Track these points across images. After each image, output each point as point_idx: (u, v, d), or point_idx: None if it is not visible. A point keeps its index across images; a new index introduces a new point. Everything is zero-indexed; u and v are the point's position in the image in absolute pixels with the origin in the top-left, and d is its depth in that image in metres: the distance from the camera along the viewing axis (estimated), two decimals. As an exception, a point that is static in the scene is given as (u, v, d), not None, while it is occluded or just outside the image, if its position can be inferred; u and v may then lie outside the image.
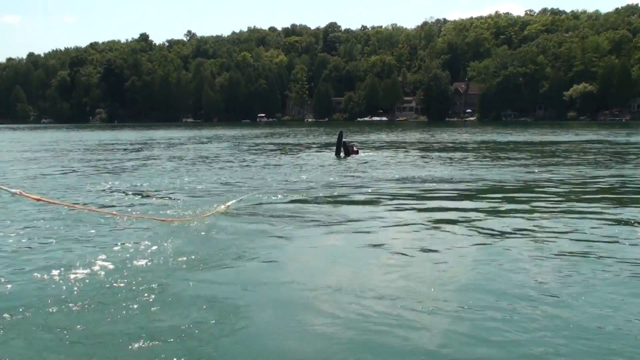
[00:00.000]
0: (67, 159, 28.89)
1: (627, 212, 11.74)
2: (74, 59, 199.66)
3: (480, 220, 11.08)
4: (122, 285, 7.07)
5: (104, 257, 8.32)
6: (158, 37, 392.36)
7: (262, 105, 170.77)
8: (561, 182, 17.14)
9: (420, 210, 12.43)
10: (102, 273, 7.58)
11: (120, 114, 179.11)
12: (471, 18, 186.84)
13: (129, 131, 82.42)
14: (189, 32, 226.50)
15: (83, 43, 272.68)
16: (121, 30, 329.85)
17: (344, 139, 29.86)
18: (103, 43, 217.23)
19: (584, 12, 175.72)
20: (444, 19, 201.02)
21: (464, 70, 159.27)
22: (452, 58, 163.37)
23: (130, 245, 9.02)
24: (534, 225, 10.47)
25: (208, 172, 21.08)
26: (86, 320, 6.00)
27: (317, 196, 14.39)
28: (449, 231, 10.17)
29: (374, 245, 9.18)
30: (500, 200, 13.64)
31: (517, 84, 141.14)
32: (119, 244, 9.13)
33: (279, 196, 14.19)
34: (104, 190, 15.94)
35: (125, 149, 37.80)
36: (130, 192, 15.41)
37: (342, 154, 28.27)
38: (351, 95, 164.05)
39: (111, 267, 7.84)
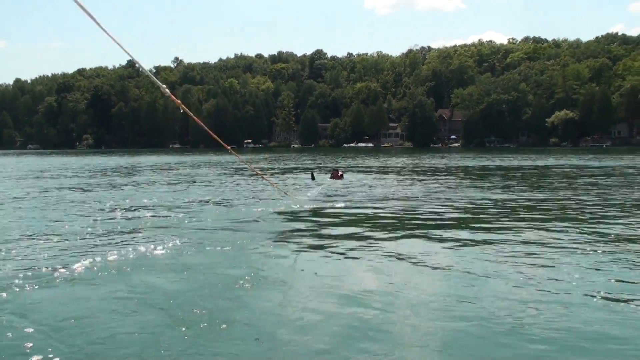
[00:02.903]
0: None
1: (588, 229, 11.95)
2: (61, 85, 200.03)
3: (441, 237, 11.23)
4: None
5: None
6: (145, 64, 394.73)
7: (249, 131, 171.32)
8: (517, 205, 17.38)
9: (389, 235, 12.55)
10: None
11: (107, 139, 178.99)
12: (455, 46, 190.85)
13: (118, 157, 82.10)
14: (176, 58, 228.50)
15: (70, 69, 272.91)
16: (108, 56, 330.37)
17: (334, 169, 31.26)
18: (90, 69, 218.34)
19: (565, 40, 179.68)
20: (429, 47, 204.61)
21: (448, 97, 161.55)
22: (437, 85, 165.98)
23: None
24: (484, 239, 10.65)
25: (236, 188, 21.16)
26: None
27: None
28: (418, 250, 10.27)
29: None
30: (466, 222, 13.81)
31: (500, 111, 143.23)
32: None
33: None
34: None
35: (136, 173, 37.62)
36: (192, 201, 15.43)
37: (314, 179, 28.47)
38: (337, 122, 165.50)
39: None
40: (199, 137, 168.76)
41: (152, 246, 10.76)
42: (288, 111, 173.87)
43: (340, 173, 30.29)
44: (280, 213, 16.01)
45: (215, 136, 11.14)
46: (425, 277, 8.36)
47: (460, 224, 13.50)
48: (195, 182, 29.75)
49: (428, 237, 11.71)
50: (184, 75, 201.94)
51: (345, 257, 9.92)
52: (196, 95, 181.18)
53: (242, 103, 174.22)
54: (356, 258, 9.91)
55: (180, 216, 15.38)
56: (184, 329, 6.44)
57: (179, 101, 8.43)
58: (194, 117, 8.81)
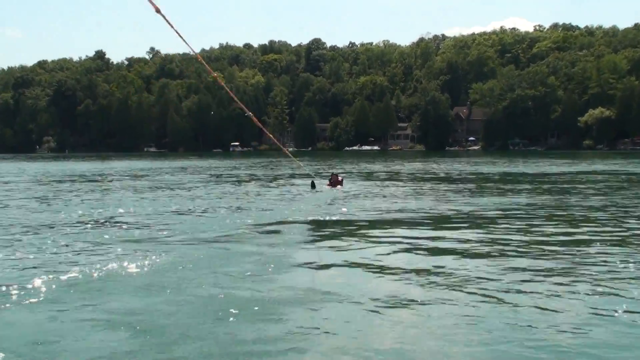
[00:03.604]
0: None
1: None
2: (18, 79, 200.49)
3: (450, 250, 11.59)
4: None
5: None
6: (116, 55, 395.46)
7: (236, 133, 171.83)
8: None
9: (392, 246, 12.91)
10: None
11: (72, 142, 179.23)
12: (473, 34, 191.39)
13: (85, 162, 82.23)
14: (152, 49, 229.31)
15: (30, 61, 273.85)
16: (74, 47, 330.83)
17: (333, 173, 31.70)
18: (53, 61, 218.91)
19: (600, 27, 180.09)
20: (443, 35, 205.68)
21: (465, 92, 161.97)
22: (452, 79, 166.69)
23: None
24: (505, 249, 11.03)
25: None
26: None
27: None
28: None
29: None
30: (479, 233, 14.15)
31: (526, 109, 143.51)
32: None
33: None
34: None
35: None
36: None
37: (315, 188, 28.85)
38: (338, 122, 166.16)
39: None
40: (179, 139, 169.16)
41: (124, 263, 11.06)
42: (281, 109, 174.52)
43: (340, 179, 30.66)
44: (268, 225, 16.42)
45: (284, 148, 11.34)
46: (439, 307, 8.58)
47: (481, 251, 12.83)
48: (172, 190, 30.13)
49: (439, 263, 11.96)
50: (161, 68, 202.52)
51: (343, 282, 10.27)
52: (175, 90, 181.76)
53: (228, 100, 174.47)
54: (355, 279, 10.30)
55: (156, 230, 15.69)
56: (155, 353, 6.75)
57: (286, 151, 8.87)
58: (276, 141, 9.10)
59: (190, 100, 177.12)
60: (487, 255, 11.89)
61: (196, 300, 8.81)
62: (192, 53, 10.29)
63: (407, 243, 13.32)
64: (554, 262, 11.21)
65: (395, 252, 12.40)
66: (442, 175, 43.24)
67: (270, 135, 25.78)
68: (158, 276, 10.24)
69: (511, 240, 13.82)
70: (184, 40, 10.14)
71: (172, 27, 10.23)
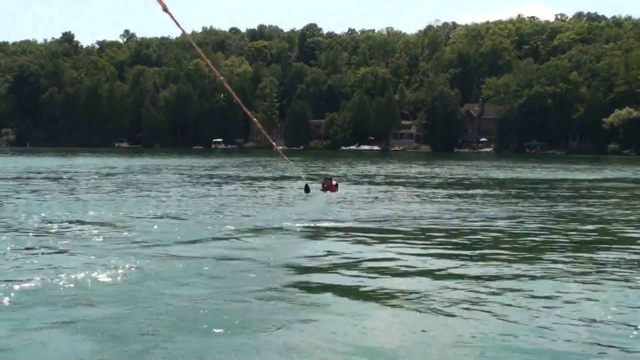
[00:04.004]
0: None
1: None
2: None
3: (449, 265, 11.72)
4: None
5: None
6: (86, 38, 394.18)
7: (219, 128, 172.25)
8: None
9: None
10: None
11: (34, 135, 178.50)
12: (487, 22, 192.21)
13: (48, 158, 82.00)
14: (127, 32, 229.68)
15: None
16: (38, 28, 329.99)
17: (327, 177, 32.02)
18: (14, 44, 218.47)
19: (629, 18, 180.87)
20: (453, 23, 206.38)
21: (477, 88, 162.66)
22: (463, 72, 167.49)
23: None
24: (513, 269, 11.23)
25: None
26: None
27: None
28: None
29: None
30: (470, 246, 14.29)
31: (545, 107, 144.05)
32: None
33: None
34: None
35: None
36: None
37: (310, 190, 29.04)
38: (334, 118, 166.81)
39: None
40: (155, 134, 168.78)
41: (90, 272, 11.15)
42: (271, 102, 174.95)
43: (334, 183, 30.82)
44: (250, 232, 16.59)
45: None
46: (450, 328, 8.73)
47: (493, 263, 13.24)
48: (144, 191, 30.25)
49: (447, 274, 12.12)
50: (136, 54, 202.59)
51: (331, 302, 10.25)
52: (152, 79, 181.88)
53: (211, 91, 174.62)
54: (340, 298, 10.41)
55: (125, 236, 15.78)
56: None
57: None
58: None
59: (169, 90, 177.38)
60: (487, 276, 11.91)
61: (167, 312, 8.97)
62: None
63: (402, 258, 13.36)
64: (569, 285, 11.32)
65: (391, 270, 12.39)
66: (449, 180, 43.45)
67: (262, 130, 25.86)
68: (127, 286, 10.36)
69: (524, 257, 13.94)
70: (191, 42, 10.70)
71: (180, 28, 11.01)
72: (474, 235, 16.83)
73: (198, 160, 78.62)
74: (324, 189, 29.72)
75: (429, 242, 15.47)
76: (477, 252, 14.24)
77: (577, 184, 39.93)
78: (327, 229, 17.71)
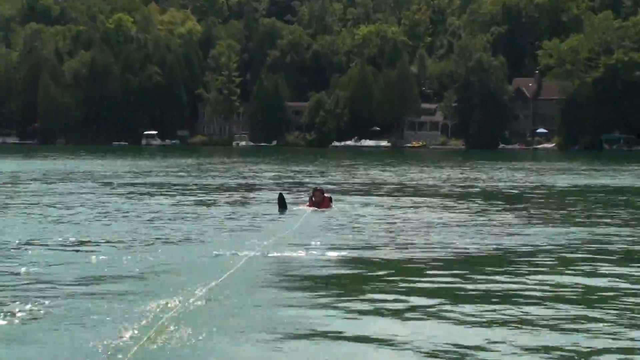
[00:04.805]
0: None
1: None
2: None
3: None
4: None
5: None
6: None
7: (153, 116, 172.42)
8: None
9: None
10: None
11: None
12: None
13: None
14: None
15: None
16: None
17: (316, 189, 31.78)
18: None
19: None
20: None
21: (532, 55, 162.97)
22: (511, 32, 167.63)
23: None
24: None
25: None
26: None
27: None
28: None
29: None
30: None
31: (631, 84, 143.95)
32: None
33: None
34: None
35: None
36: None
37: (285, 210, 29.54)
38: (321, 100, 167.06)
39: None
40: (57, 124, 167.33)
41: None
42: (228, 77, 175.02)
43: (327, 196, 31.12)
44: (190, 266, 16.77)
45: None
46: None
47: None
48: (35, 207, 30.33)
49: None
50: (29, 7, 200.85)
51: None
52: (52, 43, 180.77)
53: (141, 61, 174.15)
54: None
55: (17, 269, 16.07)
56: None
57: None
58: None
59: (78, 59, 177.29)
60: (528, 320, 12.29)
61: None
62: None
63: (427, 311, 13.40)
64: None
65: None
66: (500, 191, 43.57)
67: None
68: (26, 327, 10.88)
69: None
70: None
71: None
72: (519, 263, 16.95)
73: (121, 163, 78.79)
74: (313, 204, 29.94)
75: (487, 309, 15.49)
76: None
77: None
78: (309, 265, 17.66)
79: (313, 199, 30.47)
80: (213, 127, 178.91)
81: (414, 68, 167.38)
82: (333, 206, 30.53)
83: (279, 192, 30.69)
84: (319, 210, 29.21)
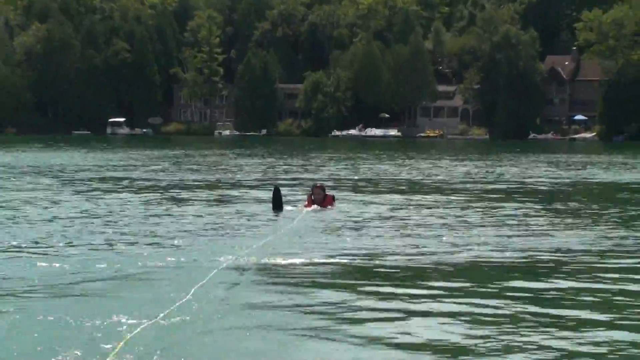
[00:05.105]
0: None
1: None
2: None
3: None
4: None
5: None
6: None
7: (120, 100, 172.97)
8: None
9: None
10: None
11: None
12: None
13: None
14: None
15: None
16: None
17: (316, 185, 31.66)
18: None
19: None
20: None
21: (569, 28, 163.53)
22: (544, 1, 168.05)
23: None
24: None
25: None
26: None
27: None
28: None
29: None
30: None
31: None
32: None
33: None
34: None
35: None
36: None
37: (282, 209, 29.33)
38: (319, 80, 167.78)
39: None
40: (6, 110, 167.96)
41: None
42: (209, 54, 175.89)
43: (329, 194, 30.78)
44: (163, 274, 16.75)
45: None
46: None
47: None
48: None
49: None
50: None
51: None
52: (0, 14, 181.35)
53: (106, 34, 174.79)
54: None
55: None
56: None
57: None
58: None
59: (32, 34, 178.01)
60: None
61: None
62: None
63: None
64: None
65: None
66: (514, 187, 44.11)
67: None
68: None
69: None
70: None
71: None
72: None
73: (81, 156, 79.06)
74: (311, 204, 29.52)
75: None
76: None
77: None
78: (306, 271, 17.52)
79: (312, 197, 30.10)
80: (191, 114, 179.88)
81: (429, 44, 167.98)
82: (336, 206, 30.28)
83: (274, 187, 30.49)
84: (318, 209, 28.94)
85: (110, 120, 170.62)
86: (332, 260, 19.18)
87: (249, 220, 27.65)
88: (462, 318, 14.12)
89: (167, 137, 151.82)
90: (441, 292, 16.25)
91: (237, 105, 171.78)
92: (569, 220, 28.35)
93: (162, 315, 12.86)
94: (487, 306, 15.09)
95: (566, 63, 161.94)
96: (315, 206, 29.46)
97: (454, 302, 15.23)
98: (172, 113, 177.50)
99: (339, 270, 18.28)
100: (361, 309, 14.76)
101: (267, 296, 15.26)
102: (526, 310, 14.73)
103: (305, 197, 31.15)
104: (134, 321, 12.71)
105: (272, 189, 30.20)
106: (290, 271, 18.16)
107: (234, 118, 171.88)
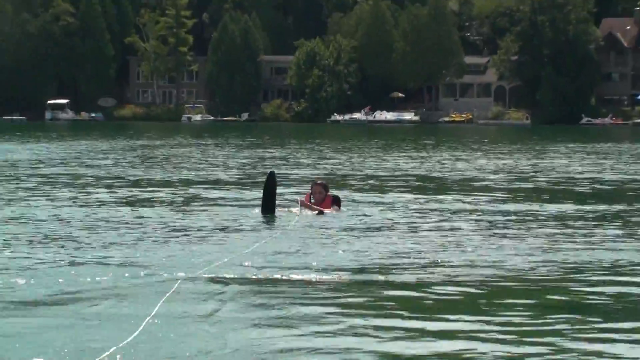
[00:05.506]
0: None
1: None
2: None
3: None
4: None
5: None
6: None
7: (62, 77, 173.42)
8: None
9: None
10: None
11: None
12: None
13: None
14: None
15: None
16: None
17: (317, 182, 31.72)
18: None
19: None
20: None
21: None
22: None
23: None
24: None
25: None
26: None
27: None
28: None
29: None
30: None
31: None
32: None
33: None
34: None
35: None
36: None
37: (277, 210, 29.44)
38: (315, 50, 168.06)
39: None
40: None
41: None
42: (175, 19, 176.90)
43: (331, 194, 30.29)
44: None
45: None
46: None
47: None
48: None
49: None
50: None
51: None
52: None
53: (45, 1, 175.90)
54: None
55: None
56: None
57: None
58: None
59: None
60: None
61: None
62: None
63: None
64: None
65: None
66: (559, 185, 45.09)
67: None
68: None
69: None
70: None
71: None
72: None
73: (12, 148, 79.47)
74: (308, 205, 29.11)
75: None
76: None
77: None
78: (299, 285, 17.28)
79: (312, 196, 29.89)
80: (152, 94, 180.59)
81: (454, 3, 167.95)
82: (341, 210, 30.04)
83: (268, 173, 29.84)
84: (315, 210, 28.86)
85: (50, 102, 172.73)
86: (323, 275, 18.87)
87: (229, 226, 27.43)
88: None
89: (121, 124, 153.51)
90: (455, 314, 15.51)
91: (211, 83, 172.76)
92: (630, 231, 27.55)
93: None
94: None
95: (628, 28, 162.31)
96: (306, 211, 29.02)
97: (475, 320, 14.71)
98: (127, 93, 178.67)
99: (332, 285, 18.05)
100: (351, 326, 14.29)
101: (242, 311, 15.13)
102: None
103: (304, 196, 30.85)
104: (98, 345, 12.20)
105: (262, 190, 29.26)
106: (272, 286, 17.93)
107: (207, 100, 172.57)
